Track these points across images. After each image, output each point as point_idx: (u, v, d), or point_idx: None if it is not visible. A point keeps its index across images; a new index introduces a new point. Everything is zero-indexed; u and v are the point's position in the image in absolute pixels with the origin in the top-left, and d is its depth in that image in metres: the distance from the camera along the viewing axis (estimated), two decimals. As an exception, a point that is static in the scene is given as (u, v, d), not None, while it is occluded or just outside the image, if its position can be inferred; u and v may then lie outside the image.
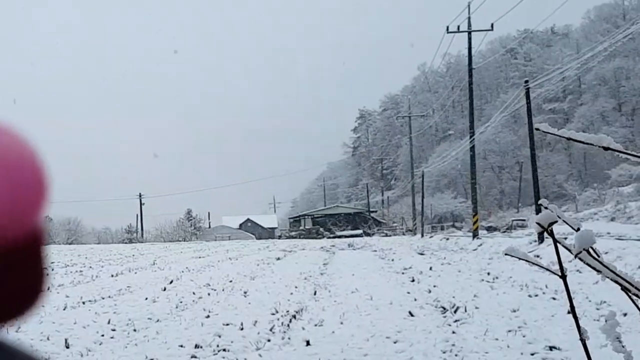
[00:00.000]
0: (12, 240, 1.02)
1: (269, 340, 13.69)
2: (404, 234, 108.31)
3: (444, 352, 12.03)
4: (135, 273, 33.80)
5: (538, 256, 26.97)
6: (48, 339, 14.34)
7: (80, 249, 75.69)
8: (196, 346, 13.13)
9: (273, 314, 17.17)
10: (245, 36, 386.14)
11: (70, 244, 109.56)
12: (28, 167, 1.07)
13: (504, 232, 73.81)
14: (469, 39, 58.93)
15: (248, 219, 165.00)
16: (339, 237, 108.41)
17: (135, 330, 15.43)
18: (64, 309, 19.36)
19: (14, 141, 1.09)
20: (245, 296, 21.48)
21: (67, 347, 13.38)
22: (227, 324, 15.69)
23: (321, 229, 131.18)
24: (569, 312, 2.49)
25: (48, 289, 1.15)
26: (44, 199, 1.09)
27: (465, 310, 16.31)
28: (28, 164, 1.07)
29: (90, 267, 40.42)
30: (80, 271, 36.44)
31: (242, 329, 15.05)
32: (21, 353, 1.07)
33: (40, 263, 1.11)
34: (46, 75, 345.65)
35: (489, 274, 25.66)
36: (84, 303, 20.74)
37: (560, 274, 2.42)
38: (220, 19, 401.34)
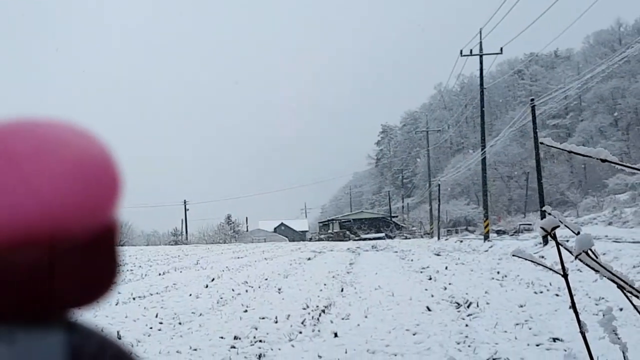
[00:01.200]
0: (86, 233, 1.04)
1: (300, 332, 13.69)
2: (422, 237, 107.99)
3: (458, 343, 12.01)
4: (180, 272, 33.84)
5: (542, 257, 26.84)
6: (102, 330, 14.36)
7: (130, 250, 75.80)
8: (235, 337, 13.15)
9: (304, 309, 17.15)
10: (276, 56, 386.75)
11: (122, 245, 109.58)
12: (101, 166, 1.08)
13: (512, 235, 73.49)
14: (481, 61, 58.87)
15: (282, 223, 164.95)
16: (364, 239, 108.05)
17: (180, 323, 15.46)
18: (116, 304, 19.39)
19: (88, 142, 1.11)
20: (279, 292, 21.48)
21: (119, 339, 13.38)
22: (263, 318, 15.69)
23: (347, 232, 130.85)
24: (570, 308, 2.49)
25: (118, 280, 1.17)
26: (116, 197, 1.11)
27: (477, 306, 16.27)
28: (101, 163, 1.09)
29: (140, 266, 40.46)
30: (131, 270, 36.49)
31: (276, 322, 15.05)
32: (97, 334, 1.12)
33: (113, 256, 1.12)
34: (98, 84, 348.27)
35: (498, 272, 25.56)
36: (134, 299, 20.80)
37: (562, 273, 2.43)
38: (255, 38, 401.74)
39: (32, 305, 1.01)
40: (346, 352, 11.47)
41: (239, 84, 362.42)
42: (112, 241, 1.11)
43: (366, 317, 15.58)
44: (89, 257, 1.05)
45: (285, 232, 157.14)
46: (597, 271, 2.41)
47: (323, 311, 16.62)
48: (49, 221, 0.99)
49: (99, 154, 1.09)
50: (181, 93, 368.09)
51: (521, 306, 16.08)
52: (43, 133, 1.05)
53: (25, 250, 0.98)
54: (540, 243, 37.86)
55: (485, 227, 56.82)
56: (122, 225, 1.19)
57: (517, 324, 13.61)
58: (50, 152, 1.01)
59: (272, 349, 11.99)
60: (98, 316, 16.73)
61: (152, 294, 22.13)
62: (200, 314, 16.91)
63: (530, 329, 13.05)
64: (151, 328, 14.79)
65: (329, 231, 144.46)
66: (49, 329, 1.03)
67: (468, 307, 16.24)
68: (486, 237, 55.48)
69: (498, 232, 79.34)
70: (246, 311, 17.13)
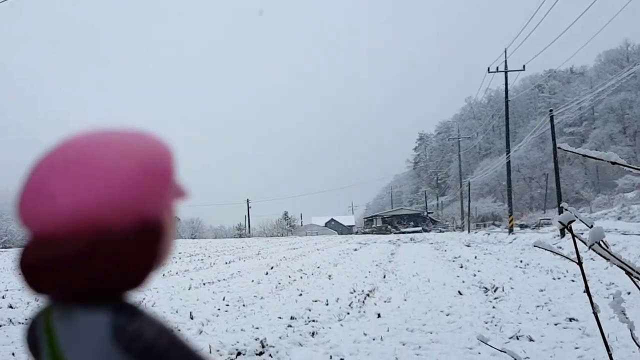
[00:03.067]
0: (133, 226, 1.07)
1: (348, 313, 13.68)
2: (454, 231, 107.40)
3: (486, 323, 11.95)
4: (244, 261, 33.92)
5: (560, 247, 26.61)
6: (177, 312, 14.48)
7: (201, 242, 76.23)
8: (291, 318, 13.17)
9: (351, 293, 17.14)
10: (324, 66, 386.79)
11: (193, 238, 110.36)
12: (149, 167, 1.09)
13: (533, 229, 73.08)
14: (506, 77, 58.53)
15: (332, 219, 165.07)
16: (403, 233, 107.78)
17: (244, 305, 15.52)
18: (189, 289, 19.51)
19: (146, 141, 1.14)
20: (329, 279, 21.48)
21: (192, 318, 13.49)
22: (316, 301, 15.70)
23: (389, 227, 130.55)
24: (584, 292, 2.46)
25: (161, 267, 1.18)
26: (162, 195, 1.11)
27: (503, 290, 16.16)
28: (149, 165, 1.09)
29: (209, 256, 40.65)
30: (201, 259, 36.69)
31: (327, 304, 15.06)
32: (141, 315, 1.10)
33: (156, 247, 1.11)
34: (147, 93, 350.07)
35: (521, 261, 25.35)
36: (204, 284, 20.90)
37: (577, 261, 2.42)
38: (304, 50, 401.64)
39: (89, 288, 1.06)
40: (388, 331, 11.45)
41: (292, 90, 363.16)
42: (152, 237, 1.10)
43: (405, 300, 15.55)
44: (134, 246, 1.07)
45: (334, 226, 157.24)
46: (608, 260, 2.40)
47: (368, 295, 16.60)
48: (102, 214, 1.04)
49: (147, 157, 1.10)
50: (241, 104, 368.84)
51: (541, 290, 15.96)
52: (107, 139, 1.11)
53: (82, 239, 1.04)
54: (558, 235, 37.65)
55: (510, 221, 56.44)
56: (172, 221, 1.17)
57: (537, 306, 13.52)
58: (105, 155, 1.07)
59: (323, 328, 12.00)
60: (173, 299, 16.89)
61: (219, 280, 22.23)
62: (261, 297, 16.95)
63: (549, 310, 12.96)
64: (219, 309, 14.86)
65: (373, 226, 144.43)
66: (99, 309, 1.08)
67: (495, 291, 16.15)
68: (510, 231, 55.12)
69: (521, 226, 78.97)
70: (301, 295, 17.16)
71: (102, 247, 1.04)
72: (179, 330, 10.71)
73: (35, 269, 1.07)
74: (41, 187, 1.05)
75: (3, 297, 18.33)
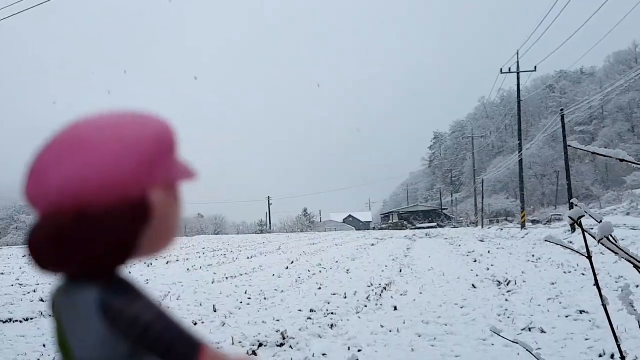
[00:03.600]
0: (109, 202, 1.07)
1: (365, 306, 13.68)
2: (468, 226, 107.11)
3: (499, 315, 11.94)
4: (265, 256, 33.99)
5: (571, 242, 26.50)
6: (201, 305, 14.52)
7: (224, 238, 76.47)
8: (311, 310, 13.18)
9: (369, 287, 17.14)
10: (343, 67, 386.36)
11: (216, 234, 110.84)
12: (139, 145, 1.10)
13: (545, 224, 72.79)
14: (518, 78, 58.30)
15: (350, 215, 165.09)
16: (419, 228, 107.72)
17: (265, 298, 15.55)
18: (213, 283, 19.57)
19: (142, 123, 1.15)
20: (347, 273, 21.49)
21: (215, 311, 13.53)
22: (334, 294, 15.71)
23: (405, 223, 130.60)
24: (594, 285, 2.46)
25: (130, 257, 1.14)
26: (148, 175, 1.11)
27: (515, 283, 16.13)
28: (139, 142, 1.10)
29: (232, 251, 40.76)
30: (224, 254, 36.79)
31: (345, 297, 15.06)
32: (130, 291, 1.12)
33: (132, 228, 1.10)
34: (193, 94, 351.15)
35: (533, 256, 25.28)
36: (227, 278, 20.96)
37: (587, 255, 2.42)
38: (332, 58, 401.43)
39: (78, 263, 1.09)
40: (404, 323, 11.45)
41: (311, 92, 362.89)
42: (140, 212, 1.09)
43: (421, 293, 15.54)
44: (116, 223, 1.07)
45: (352, 222, 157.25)
46: (616, 254, 2.39)
47: (384, 288, 16.60)
48: (85, 191, 1.06)
49: (133, 138, 1.11)
50: (262, 105, 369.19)
51: (553, 284, 15.92)
52: (104, 121, 1.13)
53: (67, 215, 1.07)
54: (569, 231, 37.58)
55: (522, 217, 56.37)
56: (169, 200, 1.16)
57: (549, 299, 13.49)
58: (93, 136, 1.09)
59: (341, 320, 12.01)
60: (197, 292, 16.95)
61: (242, 274, 22.29)
62: (282, 291, 16.99)
63: (560, 303, 12.93)
64: (241, 302, 14.90)
65: (390, 222, 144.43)
66: (90, 285, 1.10)
67: (507, 284, 16.13)
68: (523, 226, 55.12)
69: (533, 222, 78.62)
70: (320, 288, 17.17)
71: (84, 223, 1.06)
72: (201, 323, 10.78)
73: (33, 247, 1.11)
74: (37, 167, 1.09)
75: (34, 291, 18.45)
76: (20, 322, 13.24)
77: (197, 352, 1.10)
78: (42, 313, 13.43)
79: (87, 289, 1.10)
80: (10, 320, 13.42)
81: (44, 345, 10.33)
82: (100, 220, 1.06)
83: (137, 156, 1.09)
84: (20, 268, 29.56)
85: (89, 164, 1.06)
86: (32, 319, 13.40)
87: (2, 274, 26.14)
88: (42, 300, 15.57)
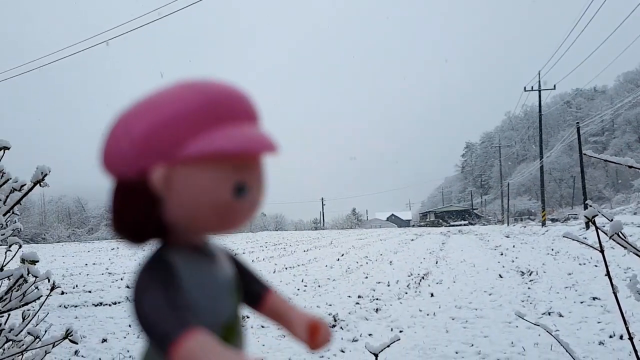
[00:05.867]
0: (130, 176, 0.97)
1: (406, 293, 13.66)
2: (495, 224, 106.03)
3: (523, 301, 11.84)
4: (319, 249, 34.01)
5: (585, 238, 25.84)
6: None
7: (283, 234, 76.81)
8: (359, 296, 13.20)
9: (409, 276, 17.10)
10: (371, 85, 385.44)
11: (277, 230, 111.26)
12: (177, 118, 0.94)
13: (563, 222, 71.91)
14: (539, 95, 57.78)
15: (392, 214, 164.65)
16: (452, 226, 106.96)
17: (319, 286, 15.59)
18: (274, 272, 19.68)
19: (179, 89, 0.98)
20: (390, 264, 21.43)
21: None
22: (379, 282, 15.71)
23: (440, 221, 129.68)
24: (605, 275, 2.44)
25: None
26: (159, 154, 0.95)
27: (537, 274, 15.97)
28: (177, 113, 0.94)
29: (290, 245, 40.86)
30: (284, 248, 36.90)
31: (388, 285, 15.05)
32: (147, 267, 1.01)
33: (137, 207, 0.98)
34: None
35: (552, 249, 24.96)
36: (286, 268, 21.04)
37: (599, 249, 2.40)
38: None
39: (121, 232, 1.02)
40: (439, 307, 11.40)
41: (363, 100, 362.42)
42: (139, 189, 0.96)
43: (454, 282, 15.46)
44: (125, 198, 0.99)
45: (394, 220, 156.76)
46: (625, 248, 2.38)
47: (422, 278, 16.55)
48: (112, 166, 0.99)
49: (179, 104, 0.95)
50: (309, 111, 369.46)
51: (569, 274, 15.73)
52: (146, 99, 0.99)
53: (110, 187, 1.01)
54: (584, 228, 37.13)
55: (543, 216, 55.80)
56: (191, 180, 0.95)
57: (566, 287, 13.35)
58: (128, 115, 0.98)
59: (385, 305, 12.00)
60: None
61: (299, 265, 22.36)
62: (334, 280, 17.01)
63: (576, 290, 12.80)
64: (298, 289, 14.98)
65: (427, 220, 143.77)
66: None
67: (530, 275, 15.98)
68: (543, 224, 54.59)
69: (552, 220, 77.76)
70: (367, 278, 17.17)
71: (112, 195, 1.00)
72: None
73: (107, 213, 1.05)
74: (103, 138, 1.00)
75: (121, 279, 18.78)
76: (110, 305, 13.47)
77: (175, 337, 0.87)
78: (127, 298, 13.63)
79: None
80: (101, 304, 13.66)
81: (130, 326, 10.48)
82: (118, 193, 1.00)
83: (136, 135, 0.95)
84: (110, 259, 30.08)
85: (109, 138, 0.98)
86: (119, 302, 13.62)
87: (94, 264, 26.60)
88: (127, 287, 15.77)
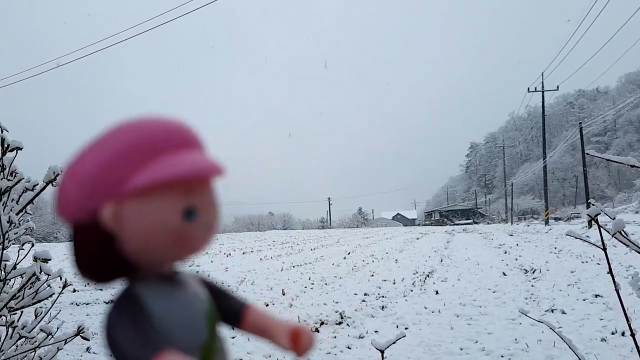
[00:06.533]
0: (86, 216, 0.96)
1: (411, 290, 13.66)
2: (499, 223, 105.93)
3: (526, 298, 11.83)
4: (326, 248, 34.03)
5: (588, 236, 25.80)
6: (271, 289, 14.62)
7: (291, 232, 76.86)
8: (365, 294, 13.20)
9: (414, 274, 17.10)
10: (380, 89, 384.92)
11: (285, 229, 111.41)
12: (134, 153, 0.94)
13: (566, 221, 71.70)
14: (543, 96, 57.71)
15: (398, 213, 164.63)
16: (457, 225, 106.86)
17: (326, 284, 15.60)
18: (281, 270, 19.69)
19: (142, 125, 0.98)
20: (396, 262, 21.44)
21: (283, 294, 13.62)
22: (385, 280, 15.71)
23: (445, 220, 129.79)
24: (608, 273, 2.44)
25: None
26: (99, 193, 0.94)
27: (540, 271, 15.96)
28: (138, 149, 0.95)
29: (297, 244, 40.92)
30: (291, 246, 36.96)
31: (394, 283, 15.06)
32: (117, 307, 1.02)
33: (94, 246, 0.98)
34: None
35: (555, 248, 24.92)
36: (293, 267, 21.05)
37: (602, 247, 2.39)
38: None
39: (84, 274, 1.04)
40: (444, 305, 11.40)
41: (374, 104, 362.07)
42: (94, 229, 0.96)
43: (459, 279, 15.46)
44: (82, 237, 0.99)
45: (400, 219, 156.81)
46: (627, 246, 2.37)
47: (427, 276, 16.55)
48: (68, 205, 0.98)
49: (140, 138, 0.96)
50: (315, 114, 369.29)
51: (572, 272, 15.71)
52: (114, 129, 0.99)
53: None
54: (587, 226, 36.98)
55: (546, 215, 55.73)
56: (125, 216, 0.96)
57: (569, 285, 13.33)
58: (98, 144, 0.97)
59: (391, 302, 12.00)
60: (269, 278, 17.07)
61: (306, 263, 22.37)
62: (340, 277, 17.02)
63: (578, 288, 12.78)
64: (305, 287, 14.98)
65: (432, 219, 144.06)
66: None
67: (533, 272, 15.96)
68: (546, 223, 54.49)
69: (555, 219, 77.52)
70: (372, 275, 17.17)
71: (71, 237, 1.00)
72: (272, 304, 10.79)
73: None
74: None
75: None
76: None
77: None
78: (116, 291, 13.68)
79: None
80: (112, 301, 13.67)
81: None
82: (75, 236, 1.00)
83: (86, 173, 0.95)
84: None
85: (61, 184, 0.99)
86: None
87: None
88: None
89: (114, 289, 1.06)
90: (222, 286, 1.25)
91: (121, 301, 1.01)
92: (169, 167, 0.94)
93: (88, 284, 1.04)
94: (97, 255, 0.99)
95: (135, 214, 0.95)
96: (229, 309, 1.22)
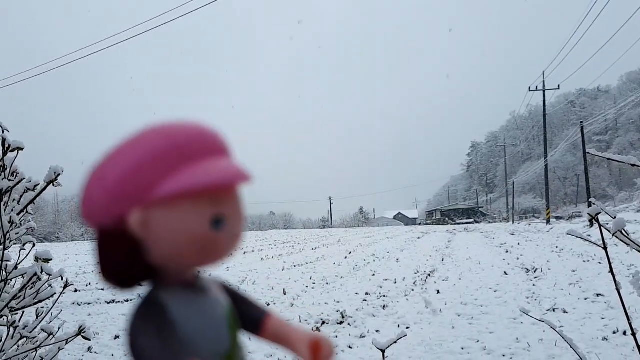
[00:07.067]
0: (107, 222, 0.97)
1: (412, 290, 13.65)
2: (501, 222, 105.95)
3: (527, 298, 11.82)
4: (327, 247, 34.04)
5: (589, 235, 25.99)
6: (273, 289, 14.63)
7: (292, 232, 76.87)
8: (366, 293, 13.20)
9: (415, 273, 17.10)
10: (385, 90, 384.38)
11: (286, 229, 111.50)
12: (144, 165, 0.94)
13: (567, 220, 71.77)
14: (544, 95, 57.72)
15: (399, 212, 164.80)
16: (458, 224, 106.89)
17: (327, 283, 15.60)
18: (283, 270, 19.69)
19: (146, 135, 0.98)
20: (397, 262, 21.43)
21: (285, 294, 13.61)
22: (386, 280, 15.71)
23: (446, 219, 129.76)
24: (609, 272, 2.44)
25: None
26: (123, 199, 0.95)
27: (541, 271, 15.96)
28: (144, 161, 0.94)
29: (299, 243, 40.94)
30: (292, 246, 36.98)
31: (395, 282, 15.06)
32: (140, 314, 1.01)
33: (119, 251, 0.99)
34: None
35: (557, 247, 24.92)
36: (295, 266, 21.06)
37: (603, 246, 2.40)
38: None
39: (109, 279, 1.04)
40: (446, 304, 11.40)
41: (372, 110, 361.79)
42: (115, 234, 0.97)
43: (460, 279, 15.45)
44: (107, 242, 0.99)
45: (401, 219, 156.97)
46: (628, 245, 2.37)
47: (429, 275, 16.54)
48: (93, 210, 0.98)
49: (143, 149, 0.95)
50: (318, 115, 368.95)
51: (573, 271, 15.70)
52: (135, 135, 0.99)
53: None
54: (588, 225, 37.06)
55: (547, 214, 55.72)
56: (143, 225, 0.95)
57: (570, 284, 13.33)
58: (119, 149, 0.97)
59: (392, 302, 12.00)
60: (270, 278, 17.07)
61: (307, 263, 22.38)
62: (341, 277, 17.02)
63: (580, 287, 12.78)
64: (307, 287, 14.97)
65: (433, 218, 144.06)
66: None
67: (534, 272, 15.96)
68: (548, 222, 54.55)
69: (556, 218, 77.61)
70: (374, 275, 17.17)
71: (96, 242, 1.01)
72: (273, 304, 10.79)
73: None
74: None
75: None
76: (122, 302, 13.52)
77: None
78: (139, 295, 13.66)
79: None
80: (113, 301, 13.74)
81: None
82: (100, 241, 1.00)
83: (111, 180, 0.95)
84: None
85: (86, 189, 0.99)
86: (132, 300, 13.62)
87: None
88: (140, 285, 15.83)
89: (117, 291, 1.06)
90: (244, 293, 1.25)
91: (145, 308, 1.02)
92: (199, 175, 0.93)
93: (109, 288, 1.01)
94: (123, 261, 0.99)
95: (163, 221, 0.95)
96: (249, 316, 1.22)
